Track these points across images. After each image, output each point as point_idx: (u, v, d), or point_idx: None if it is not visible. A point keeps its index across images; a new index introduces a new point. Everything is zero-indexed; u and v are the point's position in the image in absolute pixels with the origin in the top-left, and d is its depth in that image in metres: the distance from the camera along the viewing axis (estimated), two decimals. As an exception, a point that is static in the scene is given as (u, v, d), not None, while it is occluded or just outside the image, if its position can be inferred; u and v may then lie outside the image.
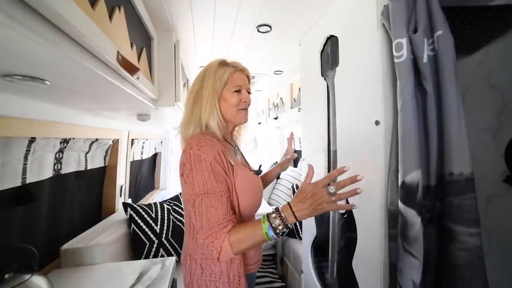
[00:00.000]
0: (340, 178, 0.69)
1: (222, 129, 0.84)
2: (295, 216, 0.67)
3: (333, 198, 0.65)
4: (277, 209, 0.70)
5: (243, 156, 1.00)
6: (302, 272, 1.38)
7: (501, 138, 0.88)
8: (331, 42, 1.05)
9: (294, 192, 2.41)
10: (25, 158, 0.96)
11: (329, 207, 0.66)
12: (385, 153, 0.75)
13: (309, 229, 1.27)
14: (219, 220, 0.69)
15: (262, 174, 1.01)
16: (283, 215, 0.68)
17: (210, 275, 0.78)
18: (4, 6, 0.36)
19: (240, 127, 0.98)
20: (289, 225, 0.68)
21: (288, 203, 0.70)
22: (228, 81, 0.83)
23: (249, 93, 0.89)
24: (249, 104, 0.88)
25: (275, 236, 0.68)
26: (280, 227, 0.67)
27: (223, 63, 0.85)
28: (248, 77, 0.90)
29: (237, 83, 0.84)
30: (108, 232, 1.36)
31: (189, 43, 1.54)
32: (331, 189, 0.65)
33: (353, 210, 0.91)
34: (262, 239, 0.69)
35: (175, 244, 1.62)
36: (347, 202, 0.84)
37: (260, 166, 0.97)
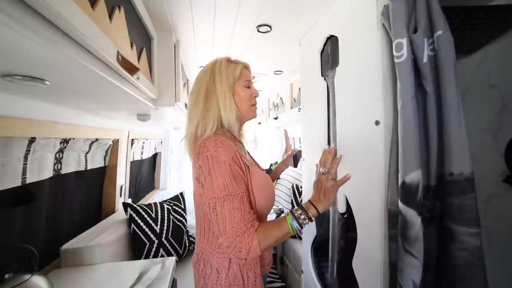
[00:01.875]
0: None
1: (238, 124, 0.87)
2: (314, 206, 0.75)
3: (330, 178, 0.78)
4: (299, 204, 0.78)
5: (251, 156, 0.99)
6: (302, 272, 1.38)
7: (501, 138, 0.88)
8: (331, 42, 1.05)
9: (294, 192, 2.42)
10: (25, 158, 0.96)
11: (330, 185, 0.77)
12: (385, 153, 0.75)
13: (309, 229, 1.27)
14: (245, 220, 0.69)
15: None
16: (304, 207, 0.75)
17: (225, 279, 0.76)
18: (4, 5, 0.35)
19: (244, 126, 0.98)
20: (311, 217, 0.74)
21: (309, 199, 0.79)
22: (240, 76, 0.86)
23: None
24: (257, 97, 0.92)
25: (299, 227, 0.72)
26: (303, 217, 0.73)
27: (230, 60, 0.88)
28: (251, 73, 0.94)
29: (247, 77, 0.88)
30: (108, 232, 1.36)
31: (189, 43, 1.54)
32: (323, 169, 0.77)
33: (353, 210, 0.91)
34: (287, 232, 0.72)
35: (175, 244, 1.62)
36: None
37: (271, 165, 0.99)
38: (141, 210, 1.58)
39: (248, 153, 0.98)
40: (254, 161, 0.98)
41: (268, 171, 0.94)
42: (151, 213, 1.61)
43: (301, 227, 0.73)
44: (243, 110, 0.86)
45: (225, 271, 0.77)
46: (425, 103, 0.68)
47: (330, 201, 0.76)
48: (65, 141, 1.17)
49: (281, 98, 2.48)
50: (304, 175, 1.35)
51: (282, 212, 2.28)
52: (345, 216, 0.99)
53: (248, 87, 0.88)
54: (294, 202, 2.38)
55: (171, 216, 1.71)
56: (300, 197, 2.33)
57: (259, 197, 0.79)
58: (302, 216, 0.73)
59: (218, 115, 0.81)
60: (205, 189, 0.71)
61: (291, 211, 0.75)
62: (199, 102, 0.83)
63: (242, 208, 0.70)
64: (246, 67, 0.90)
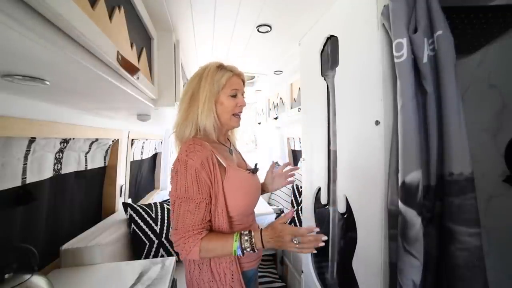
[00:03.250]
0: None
1: (217, 131, 0.86)
2: (262, 244, 0.75)
3: (296, 246, 0.73)
4: (250, 232, 0.76)
5: (241, 156, 1.01)
6: (302, 272, 1.38)
7: (501, 138, 0.88)
8: (331, 42, 1.05)
9: (294, 192, 2.42)
10: (25, 158, 0.96)
11: (289, 249, 0.74)
12: (385, 153, 0.75)
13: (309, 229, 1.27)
14: (194, 225, 0.74)
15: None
16: (253, 240, 0.74)
17: (205, 275, 0.81)
18: (4, 6, 0.35)
19: (233, 130, 0.99)
20: (255, 249, 0.74)
21: (261, 230, 0.76)
22: (226, 85, 0.85)
23: (243, 96, 0.91)
24: (243, 107, 0.90)
25: (240, 254, 0.74)
26: (248, 249, 0.74)
27: (221, 67, 0.86)
28: (243, 81, 0.92)
29: (234, 86, 0.86)
30: (108, 232, 1.36)
31: (189, 43, 1.54)
32: (296, 240, 0.72)
33: (353, 210, 0.91)
34: (228, 253, 0.75)
35: (175, 244, 1.62)
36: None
37: (256, 164, 0.97)
38: (141, 210, 1.58)
39: (239, 153, 1.00)
40: (243, 160, 0.99)
41: (253, 170, 0.93)
42: (151, 213, 1.61)
43: (243, 255, 0.74)
44: (223, 119, 0.86)
45: (205, 268, 0.81)
46: (425, 103, 0.68)
47: (279, 248, 0.77)
48: (65, 141, 1.17)
49: (281, 98, 2.48)
50: (304, 175, 1.35)
51: (282, 212, 2.28)
52: (345, 216, 0.99)
53: (234, 96, 0.86)
54: (294, 202, 2.38)
55: (171, 216, 1.70)
56: (300, 197, 2.33)
57: (234, 198, 0.80)
58: (248, 249, 0.74)
59: (196, 121, 0.83)
60: (171, 186, 0.78)
61: (240, 238, 0.74)
62: (183, 105, 0.86)
63: (195, 213, 0.74)
64: (238, 75, 0.89)
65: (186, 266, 0.88)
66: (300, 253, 0.79)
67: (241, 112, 0.90)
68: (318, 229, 0.77)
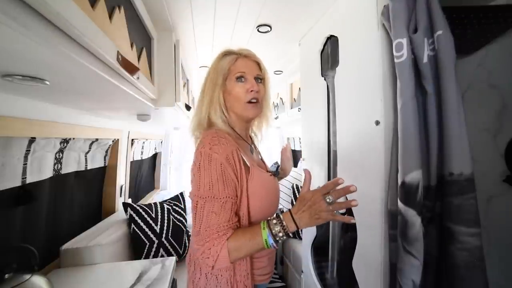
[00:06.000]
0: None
1: (232, 125, 0.78)
2: (295, 223, 0.63)
3: (331, 208, 0.62)
4: (278, 216, 0.66)
5: (260, 155, 0.92)
6: (302, 272, 1.38)
7: (501, 138, 0.88)
8: (331, 42, 1.05)
9: (294, 192, 2.41)
10: (25, 158, 0.96)
11: (327, 216, 0.62)
12: (385, 153, 0.75)
13: (309, 229, 1.27)
14: (219, 227, 0.64)
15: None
16: (284, 222, 0.64)
17: (215, 287, 0.72)
18: (4, 5, 0.36)
19: (260, 121, 0.89)
20: (289, 233, 0.64)
21: (289, 210, 0.66)
22: (230, 71, 0.75)
23: (260, 79, 0.78)
24: (257, 92, 0.76)
25: (274, 245, 0.64)
26: (280, 234, 0.63)
27: (225, 53, 0.78)
28: (257, 63, 0.80)
29: (238, 69, 0.75)
30: (108, 232, 1.36)
31: (189, 43, 1.54)
32: (329, 198, 0.61)
33: (353, 210, 0.91)
34: (261, 247, 0.64)
35: (175, 244, 1.62)
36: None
37: (278, 167, 0.90)
38: (141, 210, 1.58)
39: (259, 153, 0.91)
40: (263, 162, 0.91)
41: (275, 173, 0.85)
42: (151, 213, 1.61)
43: (277, 244, 0.64)
44: (238, 110, 0.76)
45: (216, 278, 0.72)
46: (425, 103, 0.68)
47: (317, 224, 0.64)
48: (65, 141, 1.17)
49: (281, 98, 2.48)
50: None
51: (282, 211, 2.28)
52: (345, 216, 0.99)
53: (241, 79, 0.74)
54: (294, 202, 2.37)
55: (171, 216, 1.71)
56: (300, 197, 2.33)
57: (255, 202, 0.72)
58: (280, 234, 0.63)
59: (207, 117, 0.76)
60: (193, 185, 0.68)
61: (268, 225, 0.65)
62: (199, 101, 0.80)
63: (221, 213, 0.65)
64: (245, 56, 0.77)
65: (189, 272, 0.78)
66: (338, 220, 0.65)
67: (255, 98, 0.75)
68: (343, 180, 0.63)
